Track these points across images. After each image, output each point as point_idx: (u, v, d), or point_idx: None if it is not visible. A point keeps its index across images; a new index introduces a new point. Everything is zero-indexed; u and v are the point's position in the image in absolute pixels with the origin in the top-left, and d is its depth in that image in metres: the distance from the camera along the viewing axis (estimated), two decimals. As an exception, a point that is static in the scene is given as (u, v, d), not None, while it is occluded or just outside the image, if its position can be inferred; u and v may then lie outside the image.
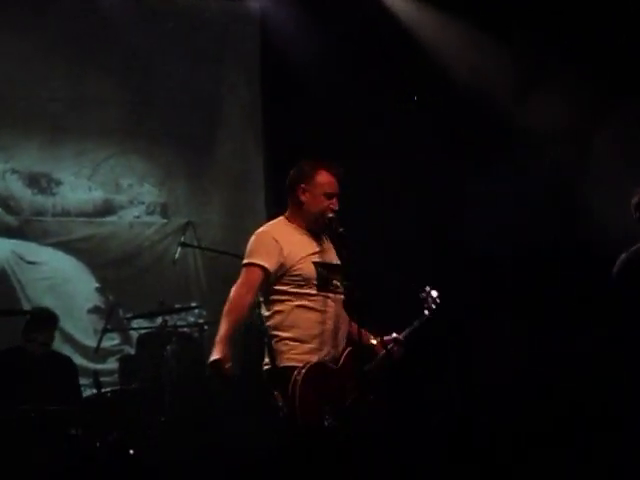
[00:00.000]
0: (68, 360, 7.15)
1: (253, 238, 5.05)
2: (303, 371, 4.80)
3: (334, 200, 5.02)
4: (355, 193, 5.59)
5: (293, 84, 8.56)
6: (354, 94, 8.20)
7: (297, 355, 4.90)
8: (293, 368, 4.85)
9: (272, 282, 4.96)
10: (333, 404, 4.79)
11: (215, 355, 4.79)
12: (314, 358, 4.89)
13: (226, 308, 4.90)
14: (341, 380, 4.87)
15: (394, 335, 5.15)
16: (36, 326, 6.89)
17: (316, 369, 4.85)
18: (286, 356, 4.92)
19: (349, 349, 4.98)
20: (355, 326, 4.99)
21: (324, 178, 5.03)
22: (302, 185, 5.03)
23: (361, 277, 4.95)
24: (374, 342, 5.11)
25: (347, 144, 7.95)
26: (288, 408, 4.71)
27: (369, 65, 8.23)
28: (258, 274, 4.92)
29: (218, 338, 4.84)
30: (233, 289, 4.92)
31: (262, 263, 4.92)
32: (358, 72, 8.23)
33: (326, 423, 4.72)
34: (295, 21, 8.56)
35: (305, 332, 4.93)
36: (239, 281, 4.95)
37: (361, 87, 8.21)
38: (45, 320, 6.98)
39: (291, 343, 4.93)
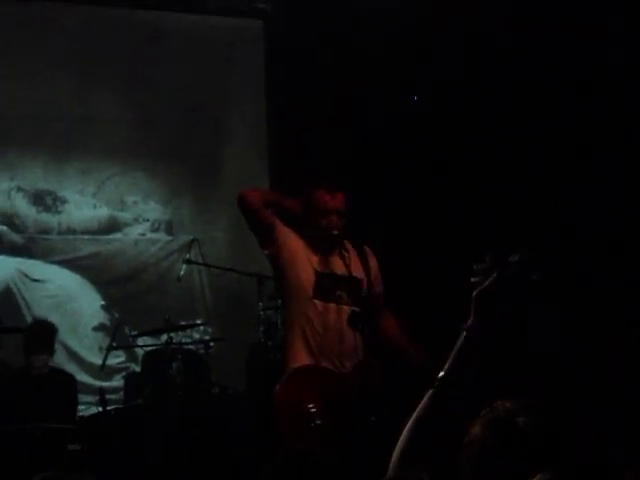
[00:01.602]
0: (70, 378, 7.13)
1: None
2: (291, 371, 4.84)
3: (330, 217, 5.03)
4: (362, 208, 5.61)
5: (299, 101, 8.57)
6: (362, 110, 8.22)
7: (299, 361, 4.93)
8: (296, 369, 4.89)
9: (280, 281, 5.00)
10: (325, 406, 4.77)
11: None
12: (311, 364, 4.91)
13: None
14: (344, 388, 4.86)
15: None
16: (35, 347, 6.83)
17: (305, 370, 4.86)
18: (289, 362, 4.96)
19: (363, 362, 4.97)
20: (398, 334, 5.01)
21: (316, 198, 5.08)
22: (300, 210, 5.10)
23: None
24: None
25: (354, 161, 7.98)
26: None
27: (377, 80, 8.24)
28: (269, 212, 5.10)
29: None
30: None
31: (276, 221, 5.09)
32: (366, 88, 8.25)
33: (312, 424, 4.71)
34: (300, 37, 8.58)
35: (304, 342, 4.95)
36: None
37: (369, 103, 8.23)
38: (41, 339, 6.88)
39: (294, 350, 4.96)
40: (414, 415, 1.85)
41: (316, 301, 4.98)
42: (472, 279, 1.89)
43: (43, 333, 6.90)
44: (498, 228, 7.30)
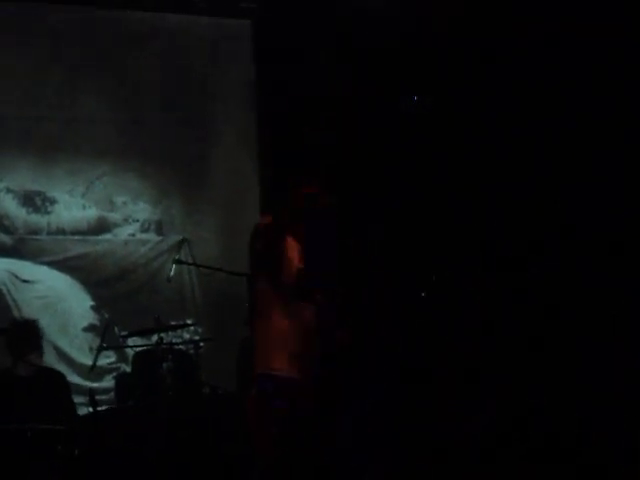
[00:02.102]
0: (60, 376, 7.11)
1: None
2: (251, 399, 4.86)
3: None
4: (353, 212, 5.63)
5: (288, 100, 8.58)
6: (353, 111, 8.23)
7: (266, 362, 4.94)
8: (261, 377, 4.90)
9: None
10: (291, 418, 4.80)
11: None
12: (281, 366, 4.92)
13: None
14: (302, 393, 4.89)
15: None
16: (23, 347, 6.79)
17: (267, 388, 4.88)
18: (259, 365, 4.96)
19: (311, 358, 5.00)
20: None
21: (296, 195, 5.10)
22: (286, 209, 5.11)
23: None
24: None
25: (345, 163, 8.00)
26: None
27: (369, 81, 8.26)
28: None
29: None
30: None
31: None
32: (357, 88, 8.26)
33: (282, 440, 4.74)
34: (288, 35, 8.59)
35: (277, 342, 4.95)
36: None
37: (360, 104, 8.24)
38: (28, 337, 6.83)
39: (264, 352, 4.97)
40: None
41: (297, 302, 4.99)
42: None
43: (28, 332, 6.84)
44: (497, 228, 7.35)
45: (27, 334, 6.79)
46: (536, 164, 7.47)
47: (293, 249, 5.07)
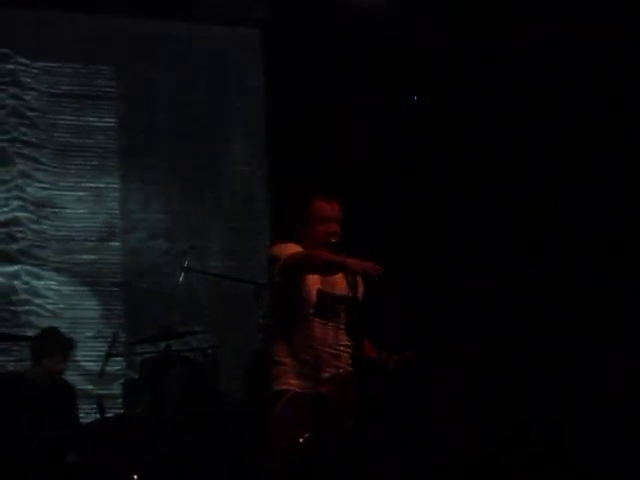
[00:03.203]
0: (68, 387, 7.14)
1: (274, 248, 5.10)
2: (280, 403, 4.84)
3: (330, 224, 5.06)
4: (360, 219, 5.63)
5: (297, 108, 8.60)
6: (361, 116, 8.25)
7: (287, 380, 4.94)
8: (282, 392, 4.89)
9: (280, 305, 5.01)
10: (318, 432, 4.78)
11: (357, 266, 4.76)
12: (303, 384, 4.92)
13: (305, 257, 4.91)
14: (331, 407, 4.87)
15: (407, 353, 5.06)
16: (37, 351, 6.89)
17: (297, 399, 4.87)
18: (278, 381, 4.96)
19: (339, 375, 4.97)
20: (364, 347, 5.00)
21: (314, 206, 5.09)
22: (299, 219, 5.11)
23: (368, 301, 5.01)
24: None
25: (352, 168, 8.00)
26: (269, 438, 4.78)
27: (377, 88, 8.27)
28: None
29: (341, 260, 4.80)
30: (293, 256, 4.91)
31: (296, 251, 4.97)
32: (365, 94, 8.27)
33: (310, 452, 4.73)
34: (297, 42, 8.61)
35: (299, 357, 4.95)
36: (296, 256, 4.93)
37: (369, 110, 8.26)
38: (44, 344, 6.96)
39: (283, 368, 4.97)
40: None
41: (317, 319, 4.99)
42: None
43: (46, 339, 6.97)
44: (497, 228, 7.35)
45: (45, 340, 6.92)
46: (536, 164, 7.48)
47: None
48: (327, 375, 4.96)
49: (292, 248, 5.01)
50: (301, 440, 4.75)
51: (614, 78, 7.10)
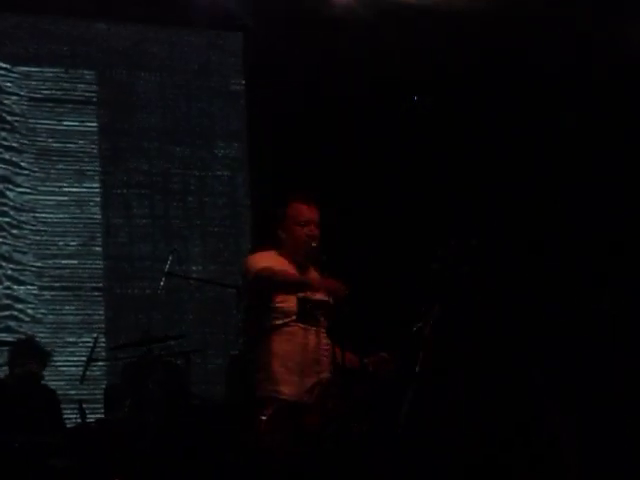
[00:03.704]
0: (50, 392, 7.13)
1: (248, 259, 5.13)
2: (267, 411, 4.85)
3: (310, 227, 5.07)
4: (343, 229, 5.63)
5: (279, 113, 8.60)
6: (343, 120, 8.26)
7: (273, 386, 4.95)
8: (267, 399, 4.90)
9: (254, 304, 5.01)
10: (303, 440, 4.80)
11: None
12: (287, 390, 4.92)
13: (277, 275, 4.96)
14: (314, 415, 4.87)
15: (381, 354, 5.09)
16: (15, 358, 6.89)
17: (281, 412, 4.88)
18: (263, 386, 4.97)
19: (320, 382, 4.97)
20: (340, 351, 5.00)
21: (294, 209, 5.12)
22: (278, 223, 5.13)
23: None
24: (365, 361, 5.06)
25: (337, 178, 8.02)
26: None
27: (361, 100, 8.28)
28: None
29: (304, 281, 4.94)
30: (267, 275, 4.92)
31: (267, 264, 4.98)
32: (347, 98, 8.29)
33: (296, 459, 4.75)
34: (280, 47, 8.61)
35: (282, 363, 4.97)
36: (262, 275, 4.95)
37: (351, 114, 8.27)
38: (21, 352, 6.96)
39: (268, 374, 4.98)
40: (403, 410, 1.84)
41: (299, 324, 5.00)
42: (434, 265, 1.84)
43: (23, 346, 6.97)
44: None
45: (22, 347, 6.92)
46: (536, 164, 7.50)
47: (289, 268, 5.07)
48: (310, 380, 4.97)
49: (265, 260, 5.02)
50: (288, 449, 4.77)
51: (614, 77, 7.13)
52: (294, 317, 5.00)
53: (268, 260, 5.04)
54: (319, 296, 5.04)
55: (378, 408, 5.00)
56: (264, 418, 4.86)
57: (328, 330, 5.04)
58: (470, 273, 4.92)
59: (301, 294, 5.00)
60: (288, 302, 5.00)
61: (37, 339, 7.37)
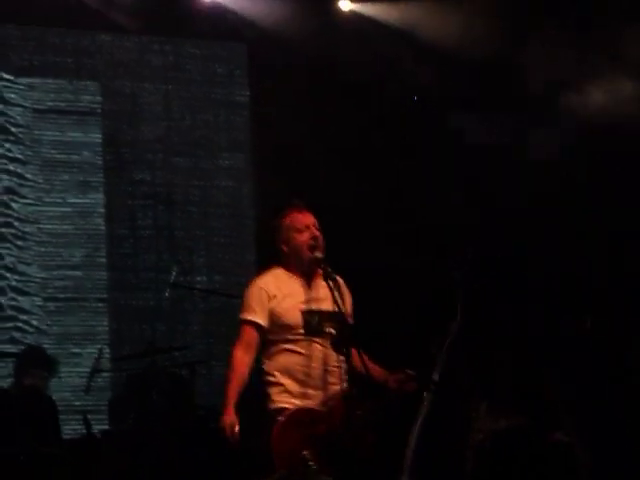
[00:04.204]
0: (49, 402, 7.11)
1: (246, 290, 5.16)
2: (280, 418, 4.85)
3: (310, 231, 5.06)
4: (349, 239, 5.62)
5: (284, 122, 8.60)
6: (348, 129, 8.28)
7: (283, 399, 4.94)
8: (279, 411, 4.89)
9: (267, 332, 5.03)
10: (317, 448, 4.78)
11: (221, 423, 4.91)
12: (300, 402, 4.92)
13: (227, 372, 5.02)
14: (330, 424, 4.86)
15: (407, 371, 4.99)
16: (20, 369, 6.90)
17: (296, 415, 4.87)
18: (273, 399, 4.97)
19: (342, 392, 4.96)
20: (364, 363, 4.98)
21: (289, 218, 5.11)
22: (277, 238, 5.12)
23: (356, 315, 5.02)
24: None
25: (337, 191, 8.03)
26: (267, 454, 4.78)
27: (363, 102, 8.30)
28: (254, 333, 5.05)
29: (224, 405, 4.92)
30: (233, 349, 5.04)
31: (255, 320, 5.04)
32: (352, 108, 8.30)
33: (308, 467, 4.73)
34: (284, 59, 8.63)
35: (291, 376, 4.96)
36: (238, 340, 5.07)
37: (355, 122, 8.29)
38: (27, 363, 6.96)
39: (278, 387, 4.97)
40: (419, 422, 1.82)
41: (305, 337, 4.99)
42: (453, 272, 1.82)
43: (29, 357, 6.97)
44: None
45: (28, 358, 6.92)
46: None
47: (293, 283, 5.06)
48: (320, 393, 4.96)
49: (261, 295, 5.04)
50: (302, 456, 4.75)
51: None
52: (301, 330, 4.99)
53: (268, 287, 5.04)
54: (325, 307, 5.03)
55: (390, 422, 4.98)
56: (278, 424, 4.85)
57: (335, 341, 5.00)
58: (487, 284, 4.92)
59: (305, 307, 5.00)
60: (288, 316, 5.00)
61: (43, 348, 7.35)
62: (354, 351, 5.03)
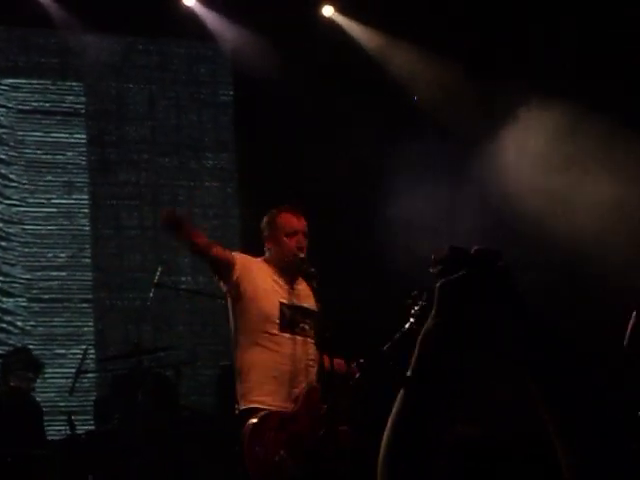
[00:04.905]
0: (33, 404, 7.11)
1: None
2: (250, 421, 4.85)
3: (297, 237, 5.07)
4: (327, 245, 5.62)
5: (267, 123, 8.61)
6: (331, 133, 8.28)
7: (256, 397, 4.94)
8: (252, 410, 4.89)
9: (236, 311, 4.98)
10: (292, 449, 4.79)
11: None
12: (270, 400, 4.92)
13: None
14: (300, 423, 4.87)
15: (360, 360, 5.08)
16: (17, 369, 6.89)
17: (264, 421, 4.87)
18: (246, 398, 4.96)
19: (306, 389, 4.97)
20: (327, 359, 5.00)
21: (282, 220, 5.11)
22: (266, 234, 5.13)
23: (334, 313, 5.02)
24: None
25: (323, 183, 8.03)
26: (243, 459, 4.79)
27: (346, 103, 8.31)
28: (226, 254, 5.06)
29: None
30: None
31: (233, 254, 5.08)
32: (336, 108, 8.30)
33: (286, 468, 4.74)
34: (267, 61, 8.62)
35: (264, 374, 4.96)
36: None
37: (339, 124, 8.29)
38: (11, 363, 6.96)
39: (250, 385, 4.97)
40: (390, 420, 1.80)
41: (282, 333, 4.99)
42: (431, 269, 1.79)
43: (13, 358, 6.96)
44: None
45: (13, 359, 6.91)
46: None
47: (276, 278, 5.08)
48: (295, 390, 4.97)
49: (247, 259, 5.10)
50: (276, 458, 4.76)
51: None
52: (277, 321, 4.98)
53: (251, 262, 5.07)
54: (306, 303, 5.05)
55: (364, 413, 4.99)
56: (249, 428, 4.85)
57: (320, 341, 5.00)
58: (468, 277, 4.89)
59: (284, 301, 5.00)
60: (266, 306, 4.99)
61: (29, 349, 7.34)
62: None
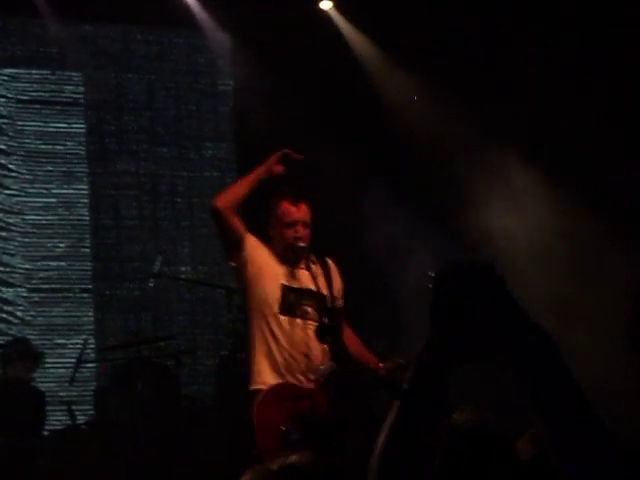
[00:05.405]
0: (37, 393, 7.12)
1: None
2: (261, 395, 4.87)
3: (296, 228, 5.05)
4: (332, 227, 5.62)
5: (268, 115, 8.60)
6: (332, 123, 8.29)
7: (263, 379, 4.95)
8: (259, 391, 4.91)
9: (245, 293, 5.00)
10: (299, 420, 4.81)
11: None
12: (285, 381, 4.94)
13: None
14: (313, 402, 4.89)
15: (398, 361, 5.02)
16: (16, 359, 6.90)
17: (277, 389, 4.89)
18: (254, 379, 4.98)
19: (325, 372, 4.98)
20: (358, 347, 5.00)
21: (281, 209, 5.10)
22: (269, 220, 5.13)
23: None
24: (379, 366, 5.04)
25: (323, 173, 8.03)
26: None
27: (348, 94, 8.32)
28: (243, 229, 5.05)
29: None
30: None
31: (248, 234, 5.08)
32: (336, 99, 8.31)
33: (290, 438, 4.75)
34: (268, 50, 8.63)
35: (271, 357, 4.97)
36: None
37: (340, 116, 8.30)
38: (11, 352, 6.97)
39: (259, 367, 4.98)
40: (383, 430, 1.82)
41: (282, 316, 4.99)
42: (429, 285, 1.82)
43: (13, 347, 6.97)
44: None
45: (12, 349, 6.92)
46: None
47: (279, 262, 5.08)
48: (300, 376, 4.98)
49: (256, 239, 5.09)
50: (283, 428, 4.77)
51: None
52: (278, 305, 4.98)
53: (260, 245, 5.08)
54: (305, 285, 5.05)
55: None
56: (259, 397, 4.86)
57: (319, 330, 4.99)
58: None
59: (285, 282, 5.01)
60: (267, 288, 4.99)
61: (28, 339, 7.35)
62: (348, 331, 5.07)
